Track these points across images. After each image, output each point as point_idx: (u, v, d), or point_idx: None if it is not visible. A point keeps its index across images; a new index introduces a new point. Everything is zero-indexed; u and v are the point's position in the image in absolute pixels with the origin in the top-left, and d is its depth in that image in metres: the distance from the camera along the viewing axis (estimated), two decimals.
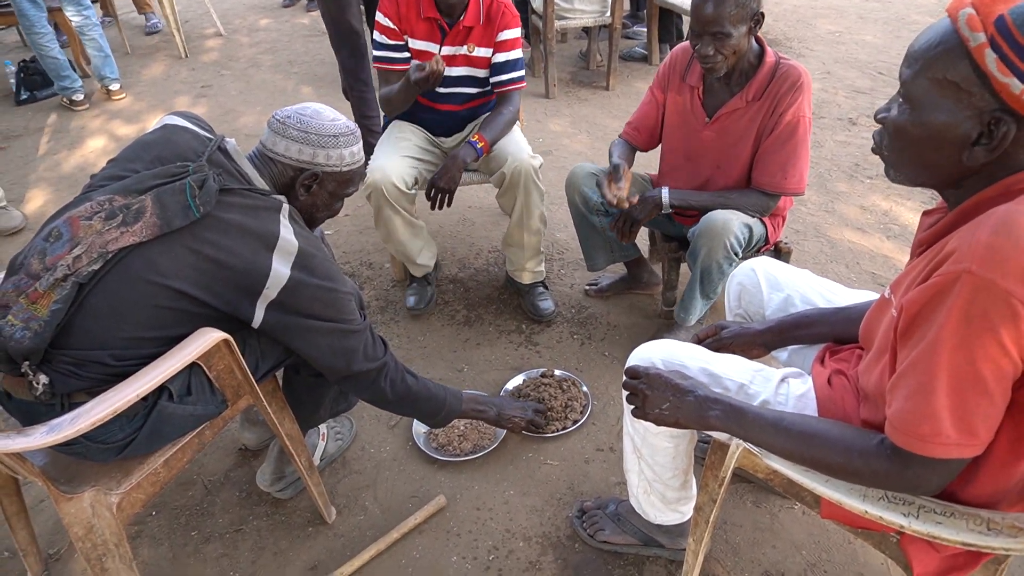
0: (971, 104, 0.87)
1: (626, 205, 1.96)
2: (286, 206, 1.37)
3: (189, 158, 1.35)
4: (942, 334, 0.88)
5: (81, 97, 4.52)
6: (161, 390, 1.33)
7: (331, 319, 1.39)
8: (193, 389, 1.38)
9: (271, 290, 1.31)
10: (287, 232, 1.33)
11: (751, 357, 1.49)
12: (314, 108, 1.46)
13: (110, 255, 1.24)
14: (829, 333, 1.41)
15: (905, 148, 0.96)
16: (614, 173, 2.01)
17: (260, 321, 1.34)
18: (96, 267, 1.23)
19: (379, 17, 2.26)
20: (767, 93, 1.90)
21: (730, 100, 1.95)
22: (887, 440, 0.99)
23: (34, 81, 4.68)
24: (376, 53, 2.32)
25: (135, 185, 1.29)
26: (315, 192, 1.49)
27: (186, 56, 5.43)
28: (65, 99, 4.51)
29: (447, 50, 2.26)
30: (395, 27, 2.25)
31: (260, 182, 1.40)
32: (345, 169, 1.49)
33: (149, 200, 1.26)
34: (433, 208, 2.23)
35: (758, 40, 1.91)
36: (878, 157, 1.04)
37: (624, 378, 1.28)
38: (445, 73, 2.29)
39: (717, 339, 1.53)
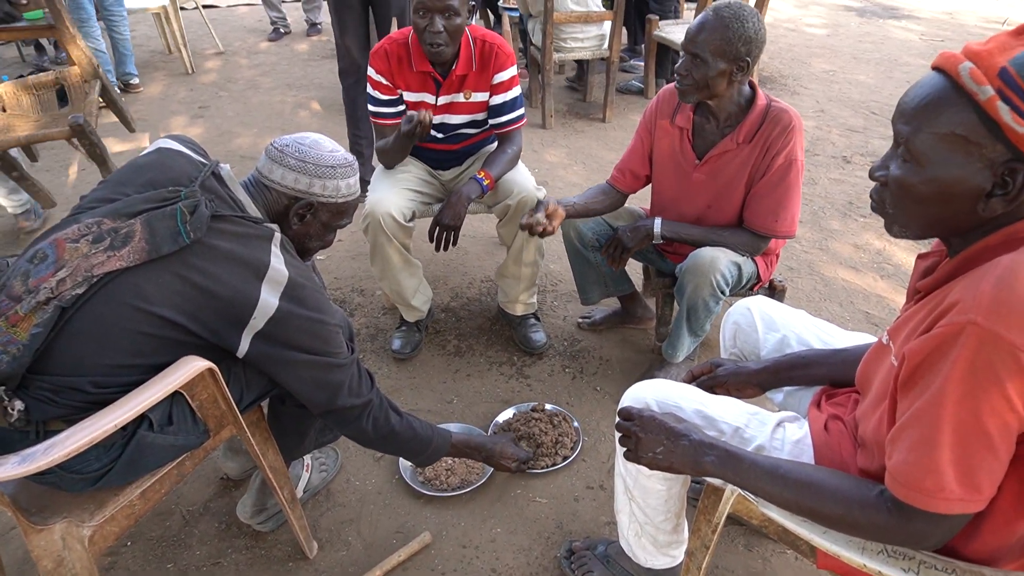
0: (982, 156, 0.85)
1: (539, 230, 1.94)
2: (278, 235, 1.35)
3: (182, 183, 1.32)
4: (947, 386, 0.86)
5: (116, 89, 4.72)
6: (141, 419, 1.29)
7: (317, 352, 1.36)
8: (175, 418, 1.34)
9: (258, 320, 1.28)
10: (278, 262, 1.31)
11: (745, 396, 1.48)
12: (313, 138, 1.45)
13: (95, 279, 1.21)
14: (826, 375, 1.39)
15: (913, 206, 0.94)
16: (534, 207, 2.07)
17: (245, 351, 1.31)
18: (80, 291, 1.20)
19: (371, 72, 2.23)
20: (758, 136, 1.90)
21: (720, 142, 1.95)
22: (887, 492, 0.96)
23: None
24: (370, 108, 2.30)
25: (125, 208, 1.26)
26: (309, 222, 1.47)
27: (192, 71, 5.50)
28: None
29: (443, 99, 2.24)
30: (387, 82, 2.22)
31: (253, 210, 1.38)
32: (340, 200, 1.47)
33: (139, 224, 1.24)
34: (438, 249, 2.18)
35: (751, 84, 1.92)
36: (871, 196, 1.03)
37: (617, 419, 1.26)
38: (447, 122, 2.29)
39: (712, 376, 1.51)
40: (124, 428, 1.24)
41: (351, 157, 1.48)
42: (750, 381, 1.46)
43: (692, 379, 1.53)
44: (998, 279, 0.83)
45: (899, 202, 0.96)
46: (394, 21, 3.24)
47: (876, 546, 1.03)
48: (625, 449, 1.23)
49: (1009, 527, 0.95)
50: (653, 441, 1.18)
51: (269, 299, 1.28)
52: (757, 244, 2.01)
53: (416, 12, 2.04)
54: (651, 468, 1.19)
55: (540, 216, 1.96)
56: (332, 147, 1.46)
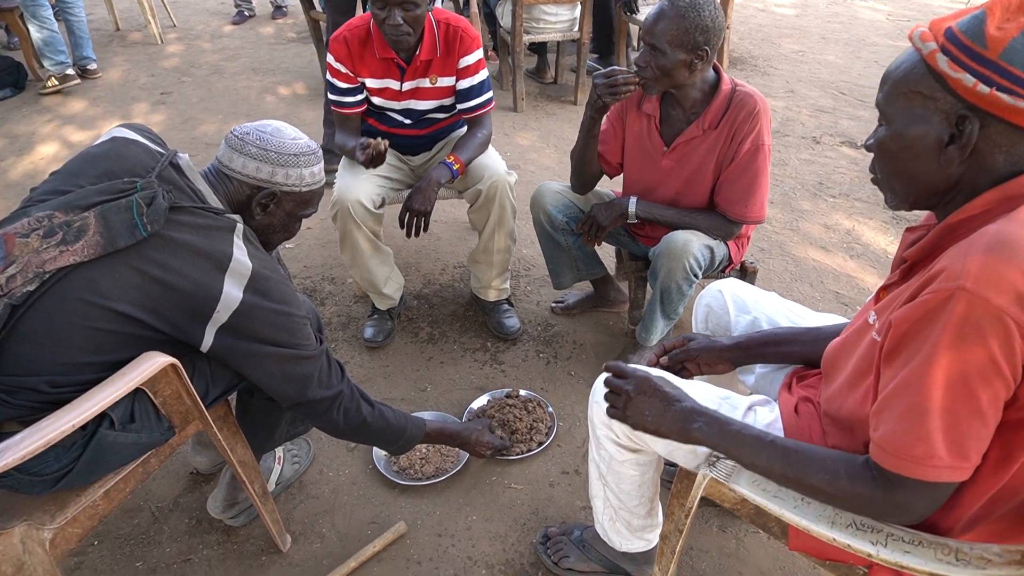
0: (937, 108, 0.92)
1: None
2: (240, 226, 1.31)
3: (138, 173, 1.28)
4: (935, 352, 0.86)
5: (72, 72, 4.70)
6: (102, 418, 1.25)
7: (284, 344, 1.33)
8: (137, 416, 1.31)
9: (222, 313, 1.25)
10: (240, 253, 1.27)
11: (717, 372, 1.48)
12: (275, 126, 1.41)
13: (47, 275, 1.16)
14: (798, 353, 1.39)
15: (889, 163, 1.01)
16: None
17: (209, 346, 1.28)
18: (31, 288, 1.15)
19: (330, 60, 2.17)
20: (724, 121, 1.89)
21: (687, 129, 1.94)
22: (872, 462, 0.96)
23: None
24: (330, 96, 2.25)
25: (78, 201, 1.21)
26: (272, 212, 1.43)
27: (161, 42, 5.53)
28: (55, 79, 4.60)
29: (408, 85, 2.20)
30: (347, 71, 2.16)
31: (214, 200, 1.34)
32: (305, 190, 1.43)
33: (92, 217, 1.19)
34: (408, 235, 2.15)
35: (715, 68, 1.91)
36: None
37: (605, 375, 1.24)
38: (413, 108, 2.25)
39: (684, 350, 1.49)
40: (84, 427, 1.20)
41: (314, 144, 1.44)
42: (721, 356, 1.45)
43: (664, 352, 1.52)
44: (985, 246, 0.85)
45: (882, 166, 1.03)
46: None
47: (845, 519, 1.03)
48: (609, 406, 1.22)
49: (987, 495, 0.95)
50: (644, 402, 1.17)
51: (232, 292, 1.25)
52: (729, 229, 2.01)
53: (374, 3, 1.99)
54: (635, 429, 1.20)
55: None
56: (295, 135, 1.42)
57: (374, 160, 2.02)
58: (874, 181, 1.08)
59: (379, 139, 2.01)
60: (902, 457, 0.91)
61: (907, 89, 0.95)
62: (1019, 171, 0.91)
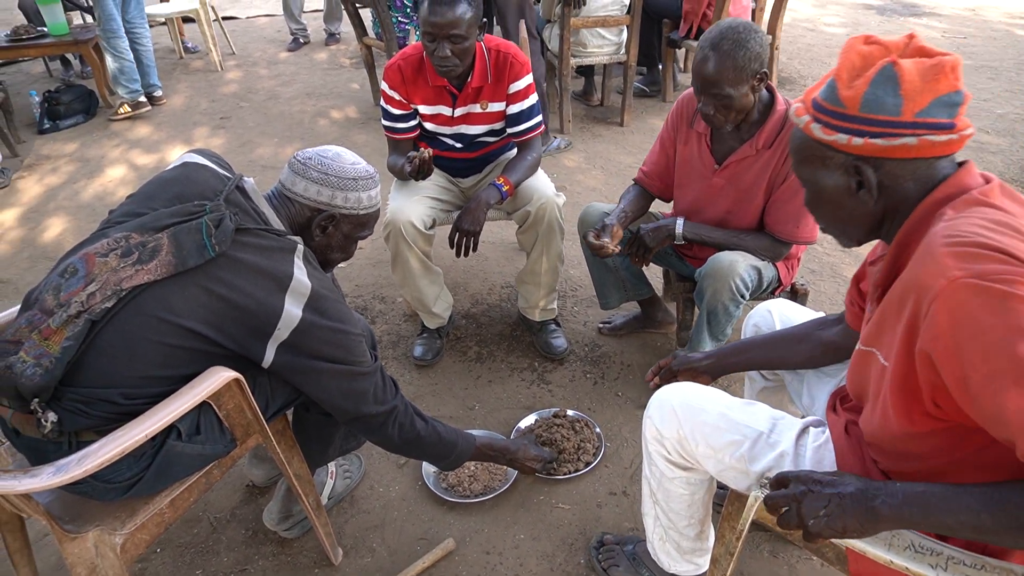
0: (835, 165, 1.04)
1: (609, 252, 1.99)
2: (301, 247, 1.37)
3: (208, 197, 1.35)
4: (994, 333, 0.83)
5: (144, 99, 4.97)
6: (170, 429, 1.32)
7: (341, 361, 1.38)
8: (202, 428, 1.37)
9: (282, 331, 1.30)
10: (300, 273, 1.32)
11: (702, 383, 1.51)
12: (335, 151, 1.47)
13: (124, 292, 1.23)
14: (762, 357, 1.51)
15: (823, 214, 1.14)
16: (600, 231, 2.03)
17: (270, 362, 1.33)
18: (109, 304, 1.22)
19: (384, 87, 2.25)
20: (778, 142, 1.89)
21: (739, 148, 1.94)
22: None
23: (57, 111, 4.78)
24: (383, 123, 2.33)
25: (152, 223, 1.29)
26: (331, 233, 1.49)
27: (221, 69, 5.83)
28: (128, 105, 4.87)
29: (460, 111, 2.26)
30: (400, 98, 2.24)
31: (276, 222, 1.40)
32: (363, 212, 1.49)
33: (165, 238, 1.26)
34: (458, 255, 2.19)
35: (769, 88, 1.90)
36: None
37: (764, 493, 1.10)
38: (464, 132, 2.31)
39: (667, 368, 1.60)
40: (154, 438, 1.26)
41: (372, 169, 1.50)
42: (697, 369, 1.56)
43: (659, 370, 1.62)
44: (942, 240, 0.90)
45: (818, 218, 1.16)
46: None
47: (903, 542, 1.02)
48: (779, 519, 1.04)
49: None
50: (815, 499, 0.99)
51: (293, 310, 1.30)
52: (778, 249, 1.99)
53: (425, 36, 2.05)
54: (821, 536, 0.99)
55: (606, 240, 2.00)
56: (354, 159, 1.48)
57: (421, 170, 2.08)
58: (823, 230, 1.19)
59: (423, 149, 2.07)
60: None
61: (805, 156, 1.08)
62: (933, 185, 1.00)
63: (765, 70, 1.77)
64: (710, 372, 1.55)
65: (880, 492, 0.96)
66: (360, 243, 2.49)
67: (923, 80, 0.96)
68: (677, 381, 1.50)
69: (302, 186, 1.43)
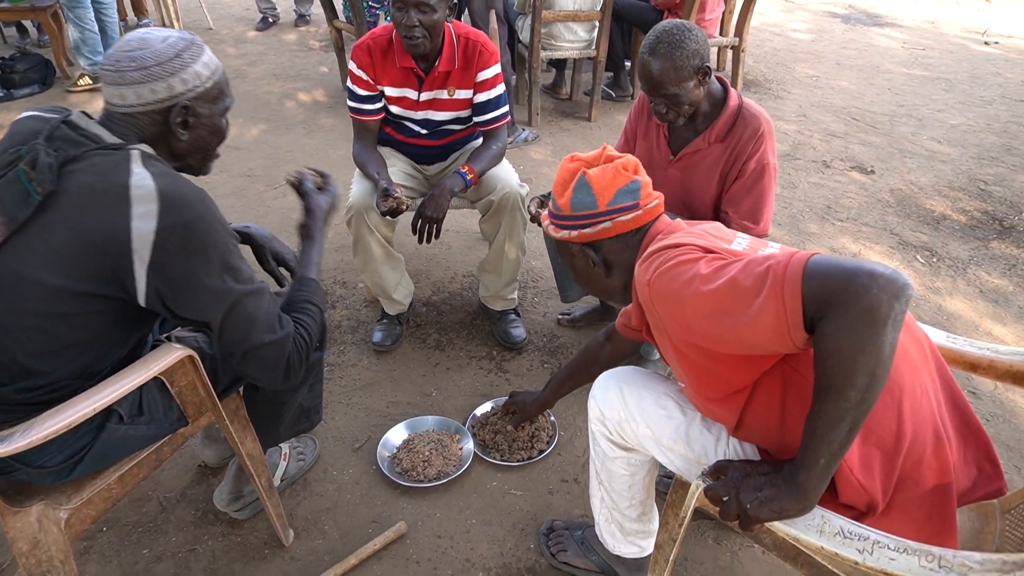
0: (574, 252, 1.36)
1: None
2: (136, 151, 1.20)
3: (26, 142, 1.18)
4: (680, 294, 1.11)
5: None
6: (108, 413, 1.28)
7: (217, 275, 1.22)
8: (145, 408, 1.34)
9: (141, 250, 1.14)
10: (140, 178, 1.16)
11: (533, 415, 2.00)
12: (138, 37, 1.26)
13: None
14: (575, 384, 1.86)
15: (587, 286, 1.46)
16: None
17: (144, 293, 1.18)
18: None
19: (351, 67, 2.23)
20: (729, 137, 1.94)
21: (694, 140, 2.00)
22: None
23: (11, 80, 4.63)
24: (349, 103, 2.31)
25: None
26: (194, 125, 1.30)
27: None
28: (88, 77, 4.75)
29: (426, 95, 2.26)
30: (368, 78, 2.22)
31: (112, 139, 1.23)
32: (209, 85, 1.30)
33: None
34: (420, 241, 2.20)
35: (720, 81, 1.96)
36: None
37: (703, 482, 1.15)
38: (430, 118, 2.32)
39: (509, 402, 2.05)
40: (91, 420, 1.22)
41: (188, 35, 1.31)
42: (530, 411, 1.98)
43: (507, 411, 2.07)
44: (641, 273, 1.19)
45: (585, 287, 1.48)
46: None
47: (832, 528, 1.07)
48: (720, 511, 1.10)
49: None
50: (752, 484, 1.07)
51: (142, 224, 1.14)
52: None
53: (394, 5, 2.06)
54: (766, 519, 1.06)
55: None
56: (163, 35, 1.27)
57: (393, 211, 2.10)
58: (594, 294, 1.58)
59: (402, 196, 2.10)
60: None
61: (559, 249, 1.41)
62: (641, 248, 1.29)
63: (707, 64, 1.84)
64: (546, 406, 1.96)
65: (795, 467, 1.03)
66: (331, 227, 2.41)
67: (606, 180, 1.28)
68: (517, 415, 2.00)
69: (132, 95, 1.22)
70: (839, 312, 0.92)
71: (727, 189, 1.99)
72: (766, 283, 0.98)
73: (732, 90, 1.96)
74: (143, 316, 1.26)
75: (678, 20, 1.87)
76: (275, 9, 6.38)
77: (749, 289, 1.00)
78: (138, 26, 6.19)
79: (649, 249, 1.21)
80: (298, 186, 1.67)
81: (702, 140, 1.97)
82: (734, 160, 1.95)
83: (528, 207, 2.27)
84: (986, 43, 6.69)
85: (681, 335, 1.16)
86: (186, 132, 1.30)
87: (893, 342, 0.92)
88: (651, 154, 2.11)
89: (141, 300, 1.19)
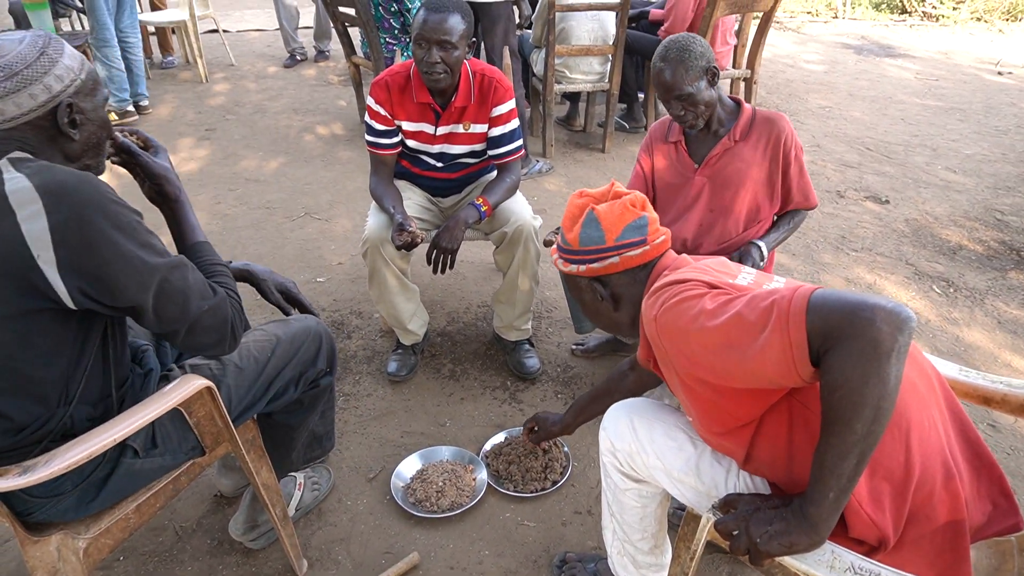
0: (583, 286, 1.40)
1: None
2: (4, 160, 1.14)
3: None
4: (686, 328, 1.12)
5: (132, 108, 5.03)
6: (123, 448, 1.31)
7: (132, 253, 1.16)
8: (159, 440, 1.37)
9: (43, 253, 1.09)
10: (15, 181, 1.10)
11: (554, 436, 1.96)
12: None
13: None
14: (597, 410, 1.76)
15: (595, 320, 1.47)
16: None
17: (67, 294, 1.13)
18: None
19: (370, 102, 2.30)
20: (753, 132, 2.05)
21: (717, 143, 2.07)
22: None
23: None
24: (367, 137, 2.37)
25: None
26: (81, 122, 1.23)
27: (206, 80, 5.87)
28: (115, 114, 4.92)
29: (443, 129, 2.31)
30: (385, 113, 2.28)
31: None
32: (84, 76, 1.22)
33: None
34: (435, 272, 2.24)
35: (733, 98, 2.09)
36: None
37: (712, 516, 1.17)
38: (446, 151, 2.37)
39: (532, 418, 2.00)
40: (104, 455, 1.25)
41: (42, 32, 1.24)
42: (552, 433, 1.93)
43: (529, 431, 2.01)
44: (647, 309, 1.22)
45: (593, 321, 1.50)
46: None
47: (843, 563, 1.06)
48: (735, 544, 1.10)
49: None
50: (762, 518, 1.07)
51: (33, 225, 1.09)
52: (803, 218, 2.22)
53: (416, 43, 2.13)
54: (776, 553, 1.05)
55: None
56: (19, 36, 1.19)
57: (408, 244, 2.14)
58: (602, 328, 1.59)
59: (417, 230, 2.14)
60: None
61: (568, 284, 1.44)
62: (648, 283, 1.32)
63: (714, 66, 1.96)
64: (564, 433, 1.91)
65: (805, 501, 1.03)
66: (336, 258, 2.47)
67: (615, 216, 1.32)
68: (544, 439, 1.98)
69: (11, 106, 1.14)
70: (843, 345, 0.93)
71: (785, 180, 2.09)
72: (771, 318, 0.99)
73: (744, 103, 2.08)
74: (89, 317, 1.21)
75: (683, 32, 1.96)
76: (303, 48, 6.55)
77: (754, 324, 1.01)
78: (163, 64, 6.39)
79: (656, 284, 1.24)
80: (129, 156, 1.49)
81: (727, 140, 2.07)
82: (776, 153, 2.05)
83: (547, 236, 2.32)
84: (1000, 73, 6.69)
85: (688, 369, 1.17)
86: (76, 131, 1.23)
87: (898, 374, 0.93)
88: (673, 170, 2.17)
89: (69, 303, 1.14)
